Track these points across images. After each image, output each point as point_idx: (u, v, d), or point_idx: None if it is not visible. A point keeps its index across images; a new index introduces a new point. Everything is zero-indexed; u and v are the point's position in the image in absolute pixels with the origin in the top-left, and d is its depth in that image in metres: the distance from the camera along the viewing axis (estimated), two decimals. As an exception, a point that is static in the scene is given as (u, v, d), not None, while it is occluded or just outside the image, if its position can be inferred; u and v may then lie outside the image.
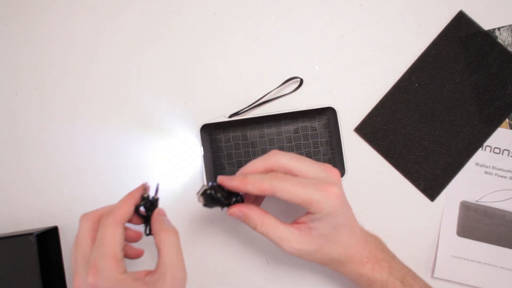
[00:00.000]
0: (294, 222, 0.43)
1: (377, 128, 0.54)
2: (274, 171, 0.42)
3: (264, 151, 0.50)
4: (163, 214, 0.43)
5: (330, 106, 0.51)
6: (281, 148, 0.51)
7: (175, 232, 0.40)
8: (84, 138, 0.55)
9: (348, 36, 0.56)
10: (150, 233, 0.44)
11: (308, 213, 0.41)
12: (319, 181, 0.40)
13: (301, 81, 0.54)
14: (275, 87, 0.54)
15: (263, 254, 0.54)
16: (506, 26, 0.55)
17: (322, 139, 0.53)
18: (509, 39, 0.55)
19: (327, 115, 0.50)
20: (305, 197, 0.39)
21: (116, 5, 0.57)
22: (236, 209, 0.42)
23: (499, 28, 0.55)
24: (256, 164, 0.42)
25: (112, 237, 0.38)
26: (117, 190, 0.54)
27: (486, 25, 0.55)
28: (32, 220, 0.54)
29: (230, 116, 0.53)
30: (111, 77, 0.56)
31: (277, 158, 0.42)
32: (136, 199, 0.42)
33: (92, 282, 0.36)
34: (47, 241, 0.52)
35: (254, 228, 0.42)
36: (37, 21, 0.57)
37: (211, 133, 0.51)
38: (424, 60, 0.55)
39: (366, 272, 0.44)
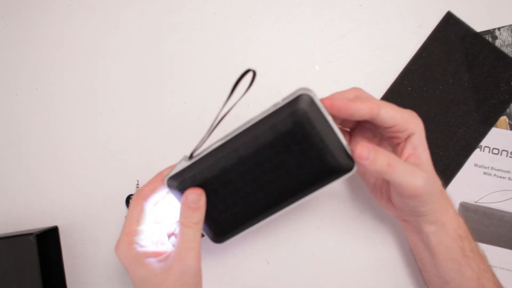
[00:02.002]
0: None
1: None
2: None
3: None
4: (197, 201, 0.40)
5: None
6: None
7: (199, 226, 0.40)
8: (84, 138, 0.55)
9: (348, 36, 0.56)
10: None
11: (408, 143, 0.41)
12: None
13: (254, 74, 0.38)
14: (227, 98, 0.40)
15: (263, 254, 0.54)
16: (506, 26, 0.55)
17: None
18: (509, 39, 0.54)
19: None
20: (405, 115, 0.40)
21: (116, 5, 0.57)
22: (364, 147, 0.36)
23: (499, 28, 0.55)
24: (345, 93, 0.42)
25: (131, 214, 0.41)
26: (117, 190, 0.54)
27: (485, 25, 0.55)
28: (32, 220, 0.54)
29: (191, 157, 0.40)
30: (111, 77, 0.56)
31: (360, 92, 0.43)
32: (164, 177, 0.41)
33: (116, 253, 0.40)
34: (47, 241, 0.52)
35: (386, 168, 0.37)
36: (37, 21, 0.57)
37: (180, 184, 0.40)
38: (416, 63, 0.55)
39: (455, 211, 0.43)
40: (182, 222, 0.39)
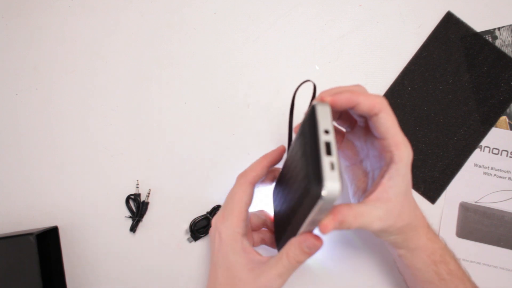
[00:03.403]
0: (369, 194, 0.40)
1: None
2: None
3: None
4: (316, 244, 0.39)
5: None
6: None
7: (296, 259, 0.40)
8: (84, 138, 0.55)
9: (348, 36, 0.56)
10: (134, 230, 0.52)
11: (387, 173, 0.39)
12: None
13: (314, 86, 0.43)
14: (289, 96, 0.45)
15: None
16: (506, 26, 0.55)
17: None
18: (509, 39, 0.55)
19: None
20: (399, 137, 0.38)
21: (116, 5, 0.57)
22: (330, 221, 0.35)
23: (499, 28, 0.55)
24: (349, 87, 0.40)
25: (240, 196, 0.42)
26: (117, 190, 0.54)
27: (485, 25, 0.55)
28: (32, 220, 0.54)
29: None
30: (111, 77, 0.56)
31: (363, 90, 0.41)
32: (270, 161, 0.44)
33: (217, 226, 0.43)
34: (47, 241, 0.52)
35: (349, 228, 0.37)
36: (37, 21, 0.57)
37: None
38: (416, 63, 0.55)
39: (431, 238, 0.42)
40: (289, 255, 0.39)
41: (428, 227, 0.43)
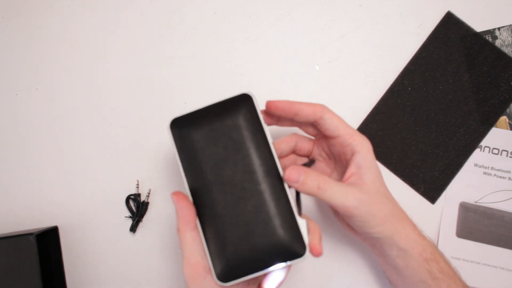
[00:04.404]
0: (343, 181, 0.41)
1: (373, 135, 0.54)
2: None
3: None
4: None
5: None
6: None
7: None
8: (84, 138, 0.55)
9: (348, 36, 0.56)
10: (134, 230, 0.52)
11: (352, 162, 0.41)
12: None
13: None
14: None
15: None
16: (506, 26, 0.55)
17: None
18: (509, 39, 0.55)
19: None
20: (350, 130, 0.41)
21: (116, 5, 0.57)
22: (294, 170, 0.37)
23: (499, 28, 0.55)
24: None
25: (186, 245, 0.38)
26: (117, 190, 0.54)
27: (485, 25, 0.55)
28: (32, 220, 0.54)
29: None
30: (111, 77, 0.56)
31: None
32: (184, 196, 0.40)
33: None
34: (47, 241, 0.52)
35: (316, 191, 0.37)
36: (37, 21, 0.57)
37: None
38: (416, 63, 0.55)
39: (419, 233, 0.43)
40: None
41: (414, 223, 0.44)
